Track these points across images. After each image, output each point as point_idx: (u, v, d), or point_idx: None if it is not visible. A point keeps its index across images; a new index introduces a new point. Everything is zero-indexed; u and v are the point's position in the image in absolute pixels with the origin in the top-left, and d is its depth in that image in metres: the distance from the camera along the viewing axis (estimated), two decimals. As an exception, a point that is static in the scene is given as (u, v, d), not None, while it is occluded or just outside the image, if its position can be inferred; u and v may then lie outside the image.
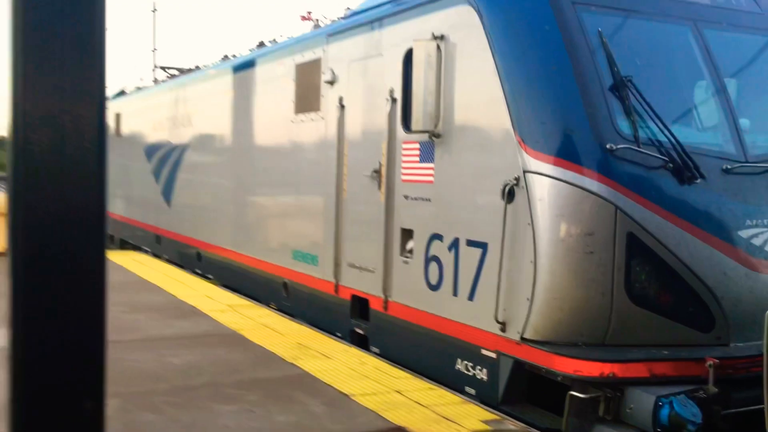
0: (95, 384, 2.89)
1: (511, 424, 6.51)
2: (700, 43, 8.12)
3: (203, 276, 15.03)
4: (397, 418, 6.43)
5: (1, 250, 15.16)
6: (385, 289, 9.22)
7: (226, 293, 12.57)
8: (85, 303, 2.88)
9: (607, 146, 6.97)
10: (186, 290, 12.70)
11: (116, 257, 16.79)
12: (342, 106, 10.24)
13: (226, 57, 16.50)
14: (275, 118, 12.36)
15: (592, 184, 6.94)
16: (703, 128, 8.02)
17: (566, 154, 7.06)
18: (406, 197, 8.91)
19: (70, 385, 2.86)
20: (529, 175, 7.15)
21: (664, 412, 6.41)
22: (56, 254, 2.82)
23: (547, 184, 7.05)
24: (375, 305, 9.47)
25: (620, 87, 7.33)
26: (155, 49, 35.65)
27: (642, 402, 6.52)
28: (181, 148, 17.02)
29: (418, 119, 8.24)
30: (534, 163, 7.14)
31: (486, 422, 6.46)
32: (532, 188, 7.12)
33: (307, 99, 11.29)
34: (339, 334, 10.15)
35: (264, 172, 12.94)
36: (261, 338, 9.26)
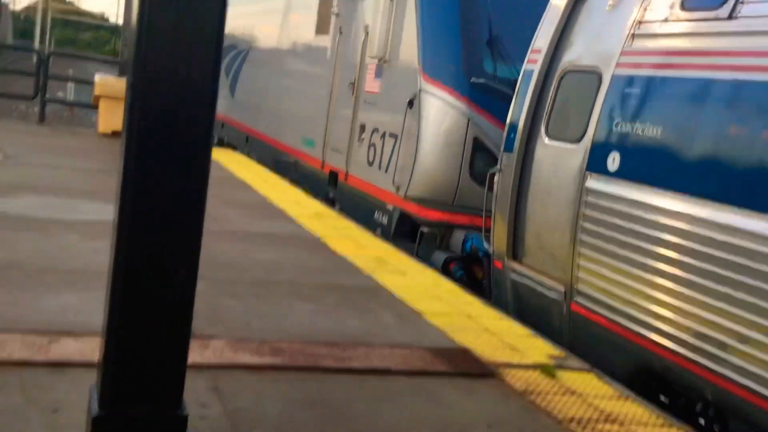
0: (190, 255, 3.24)
1: (574, 361, 6.63)
2: None
3: (248, 155, 18.82)
4: (463, 340, 6.57)
5: (113, 130, 17.14)
6: (347, 165, 13.30)
7: (313, 201, 12.88)
8: (189, 181, 3.14)
9: (472, 79, 10.95)
10: (277, 193, 13.02)
11: (214, 153, 17.15)
12: (340, 33, 14.25)
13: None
14: (304, 36, 16.46)
15: (456, 103, 10.84)
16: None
17: (445, 81, 11.05)
18: (365, 102, 12.96)
19: (168, 255, 3.19)
20: (422, 93, 11.18)
21: (468, 243, 10.51)
22: (168, 134, 3.07)
23: (430, 100, 11.08)
24: (341, 177, 13.52)
25: (493, 40, 11.28)
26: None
27: (458, 237, 10.71)
28: (244, 53, 21.22)
29: (373, 48, 12.44)
30: (426, 86, 11.17)
31: (551, 356, 6.54)
32: (422, 101, 11.16)
33: (322, 24, 15.33)
34: (320, 197, 14.13)
35: (292, 77, 16.96)
36: (342, 248, 9.54)
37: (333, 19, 14.56)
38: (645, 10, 7.45)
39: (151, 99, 3.15)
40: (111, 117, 17.10)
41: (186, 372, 3.74)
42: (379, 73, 12.44)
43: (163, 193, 3.23)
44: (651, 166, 6.93)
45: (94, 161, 13.59)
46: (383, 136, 12.02)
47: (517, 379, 5.82)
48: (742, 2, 6.57)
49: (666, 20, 7.20)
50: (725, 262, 6.00)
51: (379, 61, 12.24)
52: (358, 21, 13.41)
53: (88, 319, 5.44)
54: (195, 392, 4.59)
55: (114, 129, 17.17)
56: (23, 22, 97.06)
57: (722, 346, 6.02)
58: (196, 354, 4.65)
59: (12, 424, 4.09)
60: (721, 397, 6.21)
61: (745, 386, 5.86)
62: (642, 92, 7.23)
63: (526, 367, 6.11)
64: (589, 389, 5.81)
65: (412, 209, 11.11)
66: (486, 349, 6.39)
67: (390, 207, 11.65)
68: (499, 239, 9.04)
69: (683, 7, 7.08)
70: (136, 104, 3.17)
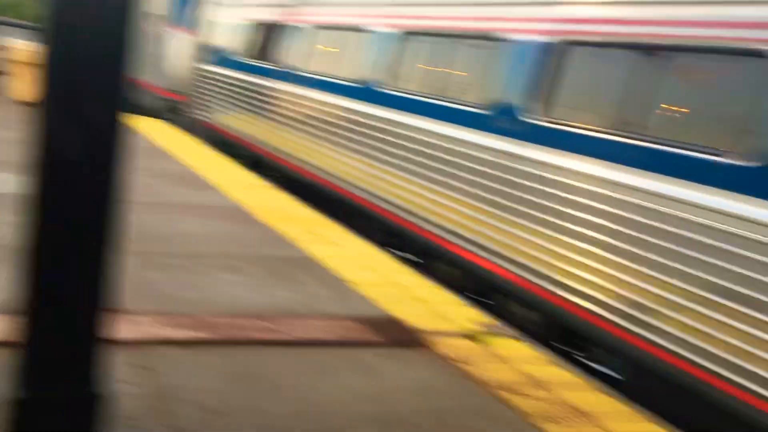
0: (106, 226, 2.08)
1: (502, 328, 4.40)
2: None
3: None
4: (394, 310, 4.25)
5: (26, 98, 8.42)
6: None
7: (243, 172, 7.97)
8: (104, 154, 2.01)
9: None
10: (204, 163, 8.15)
11: (139, 124, 9.97)
12: None
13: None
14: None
15: (193, 38, 10.79)
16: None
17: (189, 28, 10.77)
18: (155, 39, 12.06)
19: (83, 227, 2.03)
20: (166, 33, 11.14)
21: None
22: (81, 104, 1.97)
23: (171, 37, 11.35)
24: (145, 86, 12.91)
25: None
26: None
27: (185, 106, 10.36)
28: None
29: (155, 8, 11.83)
30: (168, 29, 11.18)
31: (480, 324, 4.28)
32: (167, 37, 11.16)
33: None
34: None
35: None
36: (272, 219, 6.01)
37: None
38: None
39: (64, 69, 1.97)
40: (24, 84, 9.76)
41: (113, 349, 2.27)
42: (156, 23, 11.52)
43: (76, 166, 1.99)
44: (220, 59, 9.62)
45: (5, 129, 7.43)
46: (160, 57, 11.74)
47: (447, 346, 3.74)
48: None
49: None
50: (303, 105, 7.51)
51: (157, 16, 11.51)
52: None
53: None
54: (123, 369, 2.76)
55: (28, 97, 9.14)
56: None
57: (303, 149, 7.60)
58: (123, 330, 2.83)
59: None
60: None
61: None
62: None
63: (456, 335, 3.95)
64: (516, 355, 3.79)
65: (168, 95, 11.29)
66: (416, 317, 4.09)
67: (160, 96, 11.51)
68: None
69: None
70: (51, 75, 1.99)
